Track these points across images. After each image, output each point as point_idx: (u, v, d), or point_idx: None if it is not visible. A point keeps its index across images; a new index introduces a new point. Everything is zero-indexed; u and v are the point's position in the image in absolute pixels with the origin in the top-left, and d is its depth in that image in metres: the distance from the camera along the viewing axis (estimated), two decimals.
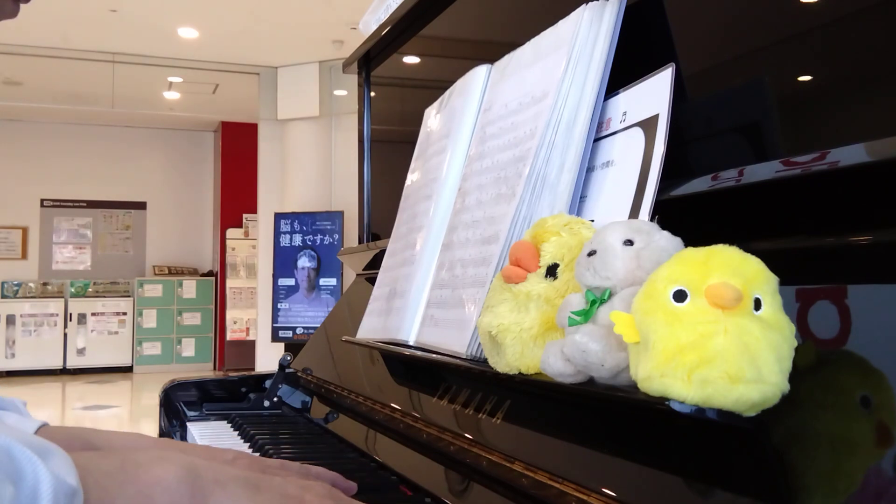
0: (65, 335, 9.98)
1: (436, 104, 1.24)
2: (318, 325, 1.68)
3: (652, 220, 0.69)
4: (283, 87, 7.87)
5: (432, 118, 1.24)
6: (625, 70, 0.81)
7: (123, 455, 0.54)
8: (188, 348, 10.31)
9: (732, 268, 0.51)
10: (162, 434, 1.41)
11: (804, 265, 0.59)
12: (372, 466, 0.97)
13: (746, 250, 0.52)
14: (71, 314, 10.05)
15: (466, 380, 0.90)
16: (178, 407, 1.44)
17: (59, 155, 10.33)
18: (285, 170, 7.86)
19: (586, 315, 0.59)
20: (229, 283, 10.08)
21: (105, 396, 8.34)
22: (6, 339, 9.76)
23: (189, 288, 10.39)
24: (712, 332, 0.49)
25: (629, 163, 0.75)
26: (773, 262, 0.52)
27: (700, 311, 0.50)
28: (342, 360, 1.41)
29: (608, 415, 0.66)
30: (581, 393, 0.62)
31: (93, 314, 10.13)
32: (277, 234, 7.24)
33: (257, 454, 1.05)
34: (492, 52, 1.09)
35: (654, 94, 0.74)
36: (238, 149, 9.93)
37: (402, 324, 1.03)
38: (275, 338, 7.05)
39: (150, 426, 6.56)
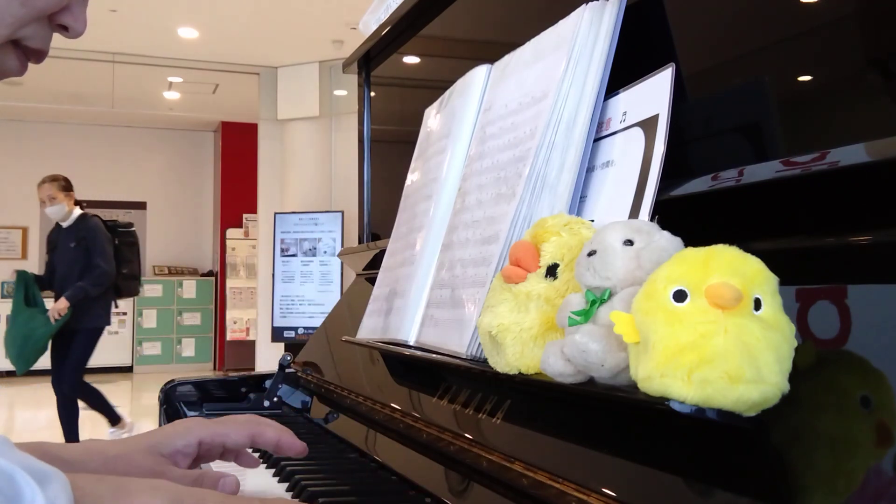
0: None
1: (436, 104, 1.24)
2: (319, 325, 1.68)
3: (652, 220, 0.69)
4: (283, 87, 7.88)
5: (432, 118, 1.24)
6: (625, 70, 0.81)
7: (120, 482, 0.57)
8: (188, 348, 10.31)
9: (732, 268, 0.51)
10: None
11: (804, 265, 0.59)
12: (372, 466, 0.97)
13: (746, 250, 0.52)
14: None
15: (466, 380, 0.90)
16: (177, 407, 1.44)
17: (59, 155, 10.32)
18: (285, 170, 7.87)
19: (586, 315, 0.59)
20: (229, 283, 10.08)
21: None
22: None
23: (189, 288, 10.39)
24: (712, 332, 0.49)
25: (629, 163, 0.75)
26: (773, 262, 0.52)
27: (700, 311, 0.50)
28: (342, 360, 1.41)
29: (608, 415, 0.66)
30: (581, 393, 0.62)
31: None
32: (277, 233, 7.25)
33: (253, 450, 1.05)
34: (492, 52, 1.09)
35: (654, 94, 0.74)
36: (238, 149, 9.93)
37: (402, 324, 1.03)
38: (276, 338, 7.06)
39: (150, 426, 6.55)
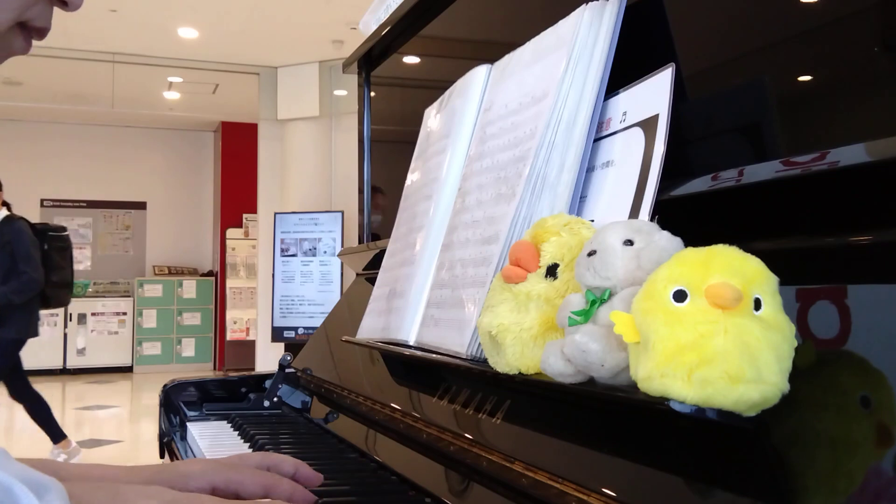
0: (65, 335, 9.98)
1: (436, 104, 1.24)
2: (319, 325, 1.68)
3: (652, 220, 0.69)
4: (283, 87, 7.87)
5: (432, 118, 1.24)
6: (625, 70, 0.81)
7: (115, 488, 0.58)
8: (188, 348, 10.31)
9: (732, 268, 0.51)
10: (162, 434, 1.41)
11: (804, 265, 0.59)
12: (372, 466, 0.97)
13: (746, 250, 0.52)
14: (71, 314, 10.05)
15: (466, 380, 0.90)
16: (178, 407, 1.44)
17: (59, 155, 10.32)
18: (285, 170, 7.86)
19: (586, 315, 0.59)
20: (229, 283, 10.08)
21: (105, 396, 8.34)
22: None
23: (189, 288, 10.39)
24: (712, 332, 0.49)
25: (629, 163, 0.75)
26: (773, 262, 0.52)
27: (700, 311, 0.50)
28: (342, 360, 1.41)
29: (608, 415, 0.66)
30: (581, 393, 0.62)
31: (93, 314, 10.13)
32: (277, 233, 7.25)
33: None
34: (492, 52, 1.09)
35: (654, 94, 0.74)
36: (238, 149, 9.93)
37: (402, 324, 1.03)
38: (276, 338, 7.05)
39: (150, 426, 6.56)
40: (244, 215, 10.10)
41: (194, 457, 1.19)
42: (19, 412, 4.75)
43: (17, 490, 0.47)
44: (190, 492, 0.70)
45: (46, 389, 9.02)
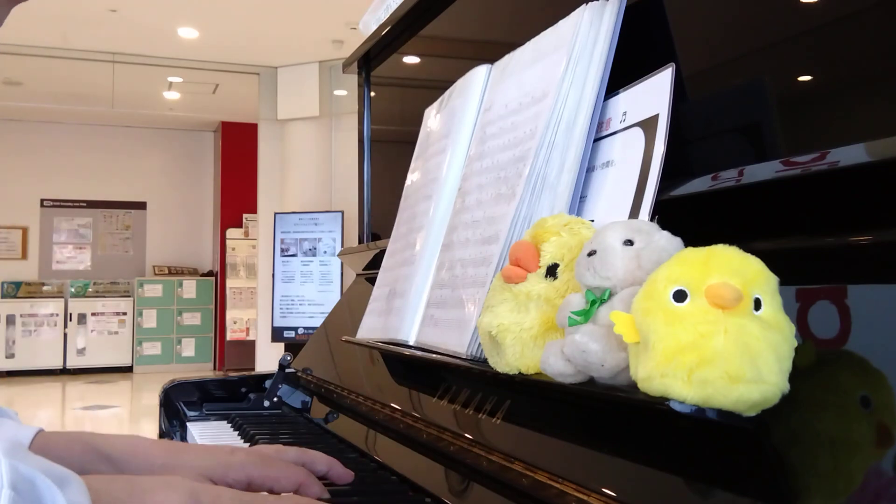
0: (65, 335, 9.99)
1: (436, 104, 1.24)
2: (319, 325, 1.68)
3: (652, 220, 0.69)
4: (283, 87, 7.88)
5: (432, 118, 1.24)
6: (625, 70, 0.81)
7: (132, 481, 0.59)
8: (188, 348, 10.32)
9: (732, 268, 0.51)
10: (162, 434, 1.41)
11: (804, 265, 0.59)
12: (372, 466, 0.97)
13: (746, 250, 0.52)
14: (71, 314, 10.06)
15: (466, 380, 0.90)
16: (178, 407, 1.44)
17: (59, 155, 10.33)
18: (285, 170, 7.87)
19: (586, 315, 0.59)
20: (229, 283, 10.08)
21: (105, 396, 8.34)
22: (6, 339, 9.76)
23: (189, 288, 10.39)
24: (712, 332, 0.49)
25: (629, 163, 0.75)
26: (773, 262, 0.52)
27: (700, 311, 0.50)
28: (342, 360, 1.41)
29: (608, 415, 0.66)
30: (581, 393, 0.62)
31: (93, 314, 10.13)
32: (277, 233, 7.25)
33: None
34: (492, 52, 1.09)
35: (654, 94, 0.74)
36: (238, 149, 9.93)
37: (402, 324, 1.03)
38: (276, 338, 7.05)
39: (150, 426, 6.56)
40: (244, 215, 10.10)
41: None
42: (20, 411, 4.74)
43: (39, 482, 0.47)
44: (227, 481, 0.72)
45: (46, 390, 9.04)
